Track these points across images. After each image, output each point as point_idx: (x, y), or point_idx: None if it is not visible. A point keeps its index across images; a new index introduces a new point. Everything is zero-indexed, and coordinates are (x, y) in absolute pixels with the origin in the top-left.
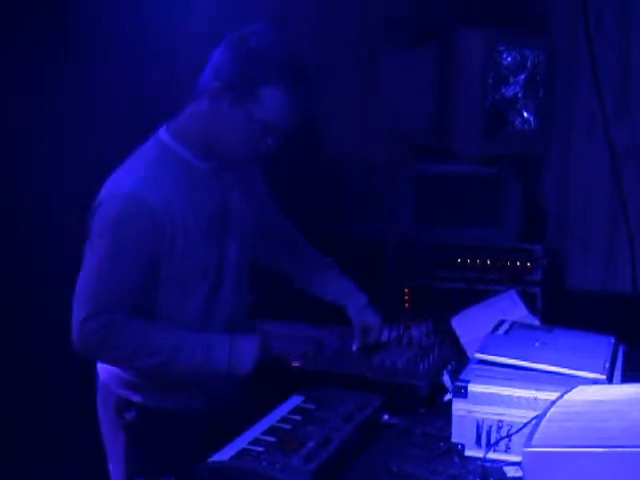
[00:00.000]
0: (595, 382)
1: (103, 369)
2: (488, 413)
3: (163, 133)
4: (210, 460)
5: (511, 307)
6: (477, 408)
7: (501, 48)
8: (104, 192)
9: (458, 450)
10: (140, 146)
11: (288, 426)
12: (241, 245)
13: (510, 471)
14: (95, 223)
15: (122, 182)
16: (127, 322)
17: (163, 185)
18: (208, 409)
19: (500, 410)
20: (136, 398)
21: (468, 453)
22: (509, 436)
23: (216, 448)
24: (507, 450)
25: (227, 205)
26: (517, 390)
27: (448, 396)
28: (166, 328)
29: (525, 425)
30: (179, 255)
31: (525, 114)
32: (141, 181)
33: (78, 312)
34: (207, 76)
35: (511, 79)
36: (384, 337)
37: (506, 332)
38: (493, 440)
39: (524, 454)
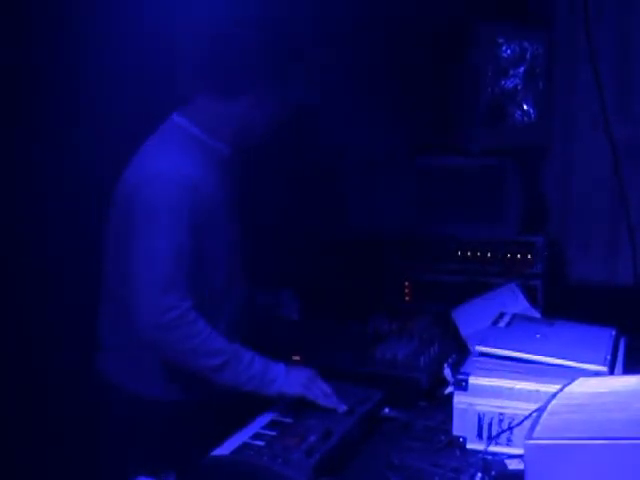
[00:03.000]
0: (596, 374)
1: (112, 364)
2: (489, 406)
3: (179, 119)
4: (211, 454)
5: (512, 300)
6: (478, 401)
7: (500, 41)
8: (138, 176)
9: (459, 443)
10: (155, 132)
11: (289, 420)
12: (240, 229)
13: (512, 464)
14: (139, 205)
15: (155, 163)
16: (197, 315)
17: (191, 165)
18: (224, 404)
19: (501, 403)
20: (150, 393)
21: (469, 446)
22: (510, 429)
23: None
24: (508, 443)
25: (235, 191)
26: (518, 383)
27: (449, 389)
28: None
29: (526, 418)
30: (210, 234)
31: (525, 106)
32: (173, 161)
33: (149, 289)
34: (224, 70)
35: (511, 71)
36: (385, 330)
37: (507, 325)
38: (494, 433)
39: (526, 446)
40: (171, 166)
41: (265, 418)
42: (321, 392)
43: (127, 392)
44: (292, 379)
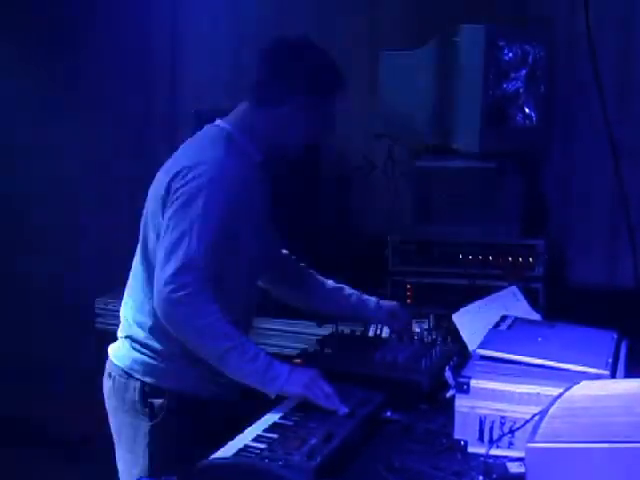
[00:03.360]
0: (598, 377)
1: (126, 356)
2: (491, 409)
3: (223, 124)
4: (213, 457)
5: (513, 303)
6: (479, 404)
7: (502, 43)
8: (181, 164)
9: (461, 446)
10: (198, 133)
11: (290, 423)
12: (265, 237)
13: (513, 467)
14: (181, 187)
15: (203, 153)
16: (210, 297)
17: (231, 161)
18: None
19: (503, 406)
20: (165, 384)
21: (471, 449)
22: (512, 432)
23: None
24: (510, 446)
25: (266, 197)
26: (520, 386)
27: (450, 392)
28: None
29: (528, 421)
30: (240, 231)
31: (526, 110)
32: (216, 154)
33: (171, 265)
34: (277, 83)
35: (512, 74)
36: (386, 332)
37: (508, 328)
38: (496, 436)
39: (527, 450)
40: (218, 158)
41: (266, 421)
42: (322, 393)
43: (154, 385)
44: (294, 379)
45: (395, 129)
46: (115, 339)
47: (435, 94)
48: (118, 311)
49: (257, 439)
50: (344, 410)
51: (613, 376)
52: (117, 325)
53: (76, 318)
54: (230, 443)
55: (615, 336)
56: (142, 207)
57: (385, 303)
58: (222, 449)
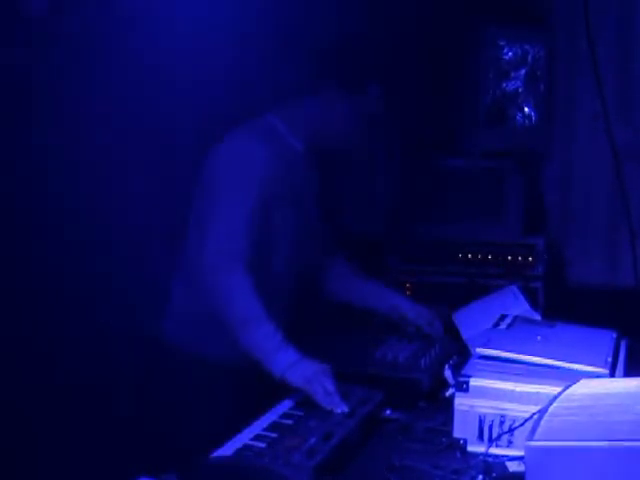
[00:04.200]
0: (597, 376)
1: (172, 329)
2: (490, 408)
3: (271, 117)
4: (212, 455)
5: (512, 302)
6: (479, 403)
7: (502, 43)
8: (219, 154)
9: (460, 445)
10: (247, 122)
11: (290, 421)
12: (306, 226)
13: (512, 466)
14: (217, 171)
15: (242, 139)
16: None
17: (275, 158)
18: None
19: (502, 405)
20: (211, 355)
21: (470, 448)
22: (511, 431)
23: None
24: (509, 445)
25: (308, 185)
26: (519, 385)
27: (450, 391)
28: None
29: (527, 420)
30: (273, 216)
31: (526, 109)
32: (256, 143)
33: (233, 245)
34: (317, 72)
35: (512, 74)
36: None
37: (508, 327)
38: (495, 435)
39: (526, 448)
40: (254, 144)
41: (266, 420)
42: (322, 390)
43: (200, 357)
44: (299, 369)
45: (395, 126)
46: None
47: (436, 90)
48: None
49: (257, 438)
50: (342, 408)
51: (612, 375)
52: None
53: None
54: (230, 441)
55: (614, 335)
56: None
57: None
58: (222, 447)
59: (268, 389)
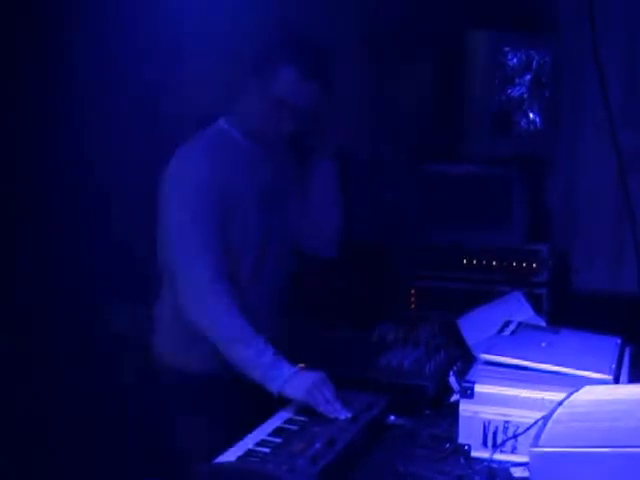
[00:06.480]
0: (602, 383)
1: (163, 344)
2: (495, 414)
3: (221, 120)
4: (216, 461)
5: (517, 308)
6: (483, 409)
7: (506, 49)
8: (173, 167)
9: (464, 451)
10: (199, 132)
11: (294, 427)
12: (283, 222)
13: (517, 472)
14: (169, 193)
15: (190, 156)
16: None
17: (222, 161)
18: None
19: (507, 411)
20: (205, 368)
21: (474, 454)
22: (516, 437)
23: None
24: (514, 451)
25: (272, 183)
26: (524, 391)
27: (454, 397)
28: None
29: (532, 426)
30: (237, 225)
31: (531, 115)
32: (205, 157)
33: (202, 270)
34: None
35: (517, 80)
36: (391, 337)
37: (512, 333)
38: (499, 441)
39: (531, 454)
40: (202, 162)
41: (270, 425)
42: (323, 398)
43: (195, 371)
44: (296, 382)
45: (401, 131)
46: None
47: (441, 96)
48: None
49: (261, 443)
50: (345, 415)
51: (616, 381)
52: None
53: None
54: (234, 447)
55: (619, 342)
56: None
57: None
58: (226, 453)
59: (260, 401)
